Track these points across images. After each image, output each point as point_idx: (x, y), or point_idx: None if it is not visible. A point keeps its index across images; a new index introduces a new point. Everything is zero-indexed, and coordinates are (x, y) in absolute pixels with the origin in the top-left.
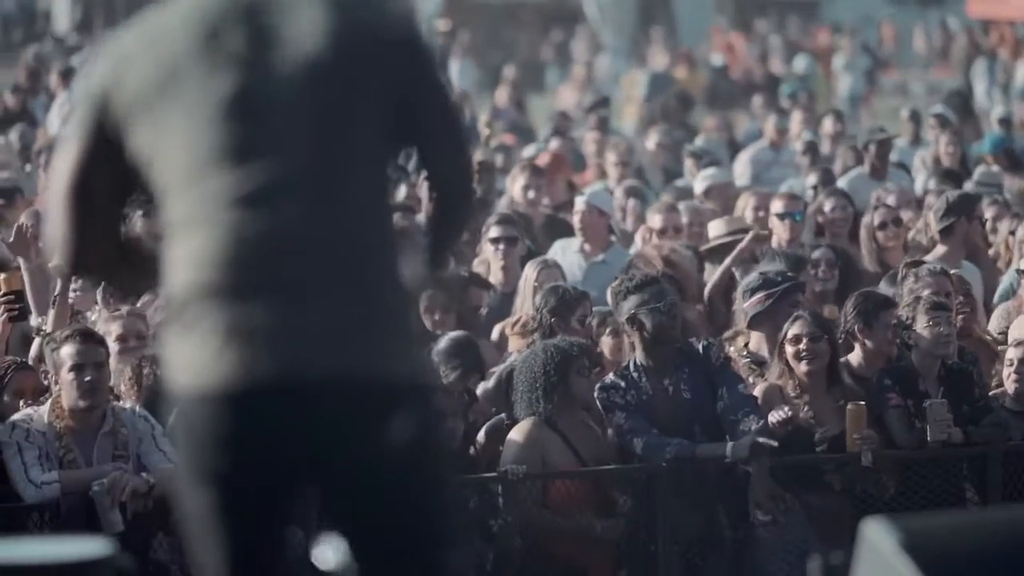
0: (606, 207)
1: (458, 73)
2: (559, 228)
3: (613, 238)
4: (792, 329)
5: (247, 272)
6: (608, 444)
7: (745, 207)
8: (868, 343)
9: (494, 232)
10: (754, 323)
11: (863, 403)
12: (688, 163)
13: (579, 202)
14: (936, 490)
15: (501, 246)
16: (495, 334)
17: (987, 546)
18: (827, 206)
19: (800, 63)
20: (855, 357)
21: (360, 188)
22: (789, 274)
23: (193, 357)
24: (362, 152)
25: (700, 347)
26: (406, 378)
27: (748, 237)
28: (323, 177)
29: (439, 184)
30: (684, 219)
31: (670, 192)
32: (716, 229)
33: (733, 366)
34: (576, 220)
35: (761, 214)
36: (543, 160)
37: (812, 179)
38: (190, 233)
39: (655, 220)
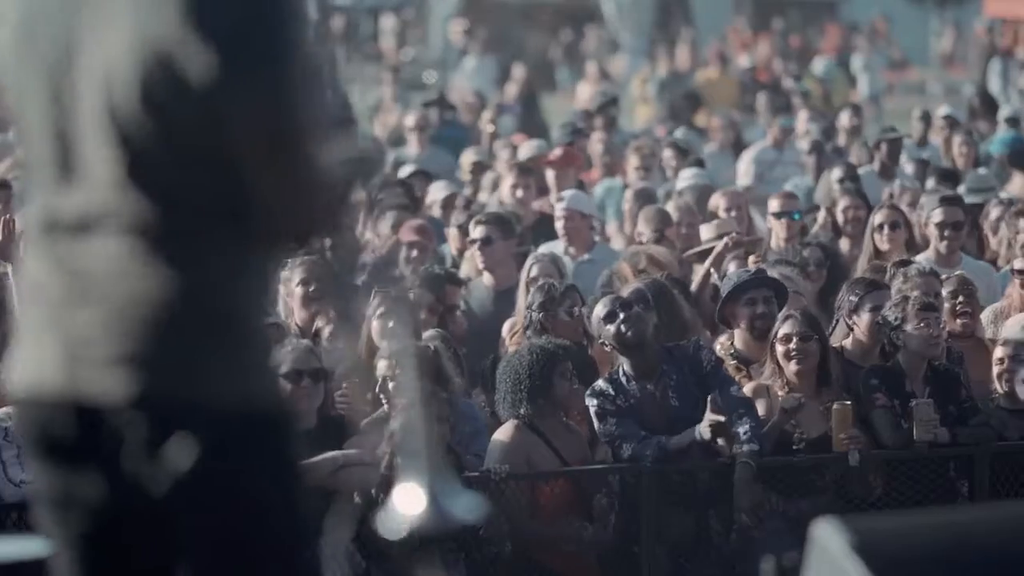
0: (586, 209)
1: (475, 71)
2: (550, 229)
3: (597, 237)
4: (783, 328)
5: (61, 298)
6: (588, 447)
7: (717, 207)
8: (857, 328)
9: (472, 234)
10: (721, 320)
11: (849, 403)
12: (667, 154)
13: (559, 208)
14: (923, 491)
15: (477, 247)
16: (505, 331)
17: (938, 547)
18: (841, 204)
19: (819, 66)
20: (847, 342)
21: (176, 227)
22: (747, 270)
23: (15, 357)
24: (180, 187)
25: (691, 348)
26: (212, 405)
27: (720, 245)
28: (135, 211)
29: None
30: (674, 219)
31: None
32: (706, 233)
33: (725, 368)
34: (558, 225)
35: (733, 214)
36: (555, 155)
37: (837, 173)
38: (29, 239)
39: (644, 230)
